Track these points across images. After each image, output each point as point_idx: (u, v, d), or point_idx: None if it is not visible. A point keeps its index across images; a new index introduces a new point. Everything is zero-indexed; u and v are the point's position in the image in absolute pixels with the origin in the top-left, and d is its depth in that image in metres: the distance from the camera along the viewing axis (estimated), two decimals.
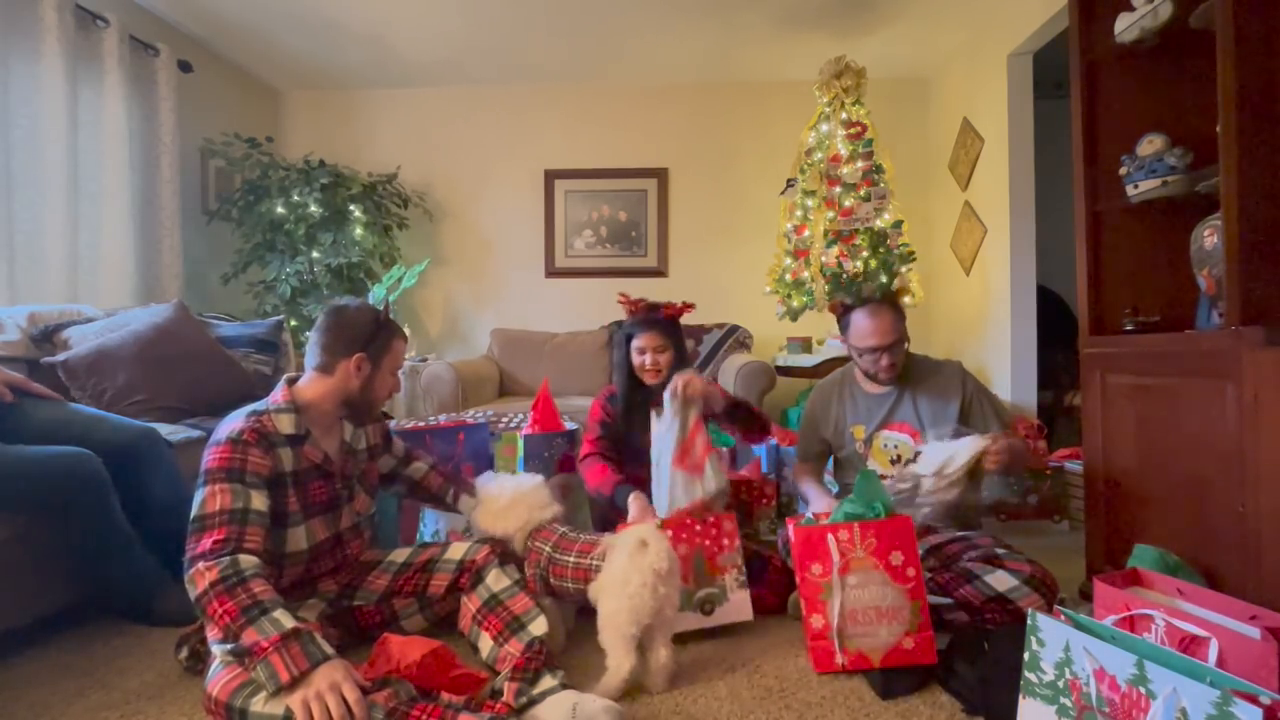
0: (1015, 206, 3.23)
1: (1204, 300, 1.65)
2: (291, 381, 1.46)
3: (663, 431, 1.67)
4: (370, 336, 1.46)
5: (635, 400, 1.94)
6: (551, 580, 1.47)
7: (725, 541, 1.57)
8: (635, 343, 1.93)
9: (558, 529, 1.52)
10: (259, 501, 1.28)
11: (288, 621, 1.12)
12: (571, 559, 1.44)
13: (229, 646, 1.13)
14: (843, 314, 1.85)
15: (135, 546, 1.64)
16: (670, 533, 1.50)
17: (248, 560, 1.19)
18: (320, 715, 1.05)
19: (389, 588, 1.49)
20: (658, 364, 1.90)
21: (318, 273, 3.52)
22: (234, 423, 1.34)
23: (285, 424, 1.39)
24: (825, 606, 1.35)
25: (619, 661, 1.29)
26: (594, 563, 1.40)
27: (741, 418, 1.87)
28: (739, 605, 1.53)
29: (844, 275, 3.08)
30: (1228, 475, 1.42)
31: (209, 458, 1.29)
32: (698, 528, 1.56)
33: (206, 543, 1.19)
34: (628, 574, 1.30)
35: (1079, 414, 1.92)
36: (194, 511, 1.24)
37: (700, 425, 1.67)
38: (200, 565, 1.17)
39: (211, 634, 1.19)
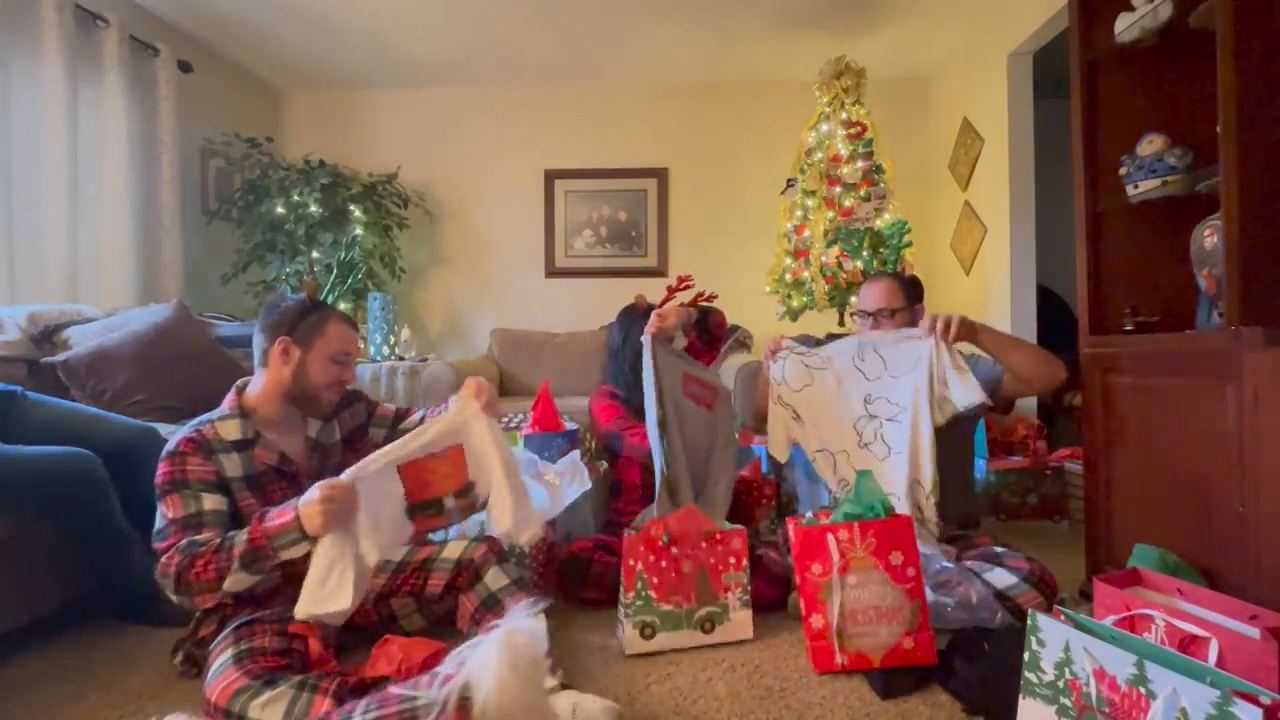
0: (1015, 206, 3.23)
1: (1204, 300, 1.65)
2: (242, 387, 1.46)
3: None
4: (296, 320, 1.43)
5: None
6: None
7: (732, 560, 1.52)
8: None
9: None
10: (211, 503, 1.30)
11: (243, 528, 1.23)
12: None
13: (242, 572, 1.20)
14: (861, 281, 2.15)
15: (135, 546, 1.63)
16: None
17: (200, 536, 1.25)
18: (337, 510, 1.19)
19: (386, 587, 1.48)
20: None
21: (317, 273, 3.52)
22: (175, 437, 1.36)
23: (230, 430, 1.38)
24: (825, 606, 1.35)
25: None
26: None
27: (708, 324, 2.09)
28: (740, 624, 1.50)
29: (843, 275, 3.08)
30: (1228, 475, 1.42)
31: (156, 475, 1.31)
32: (704, 545, 1.50)
33: (163, 546, 1.25)
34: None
35: (1079, 414, 1.92)
36: (155, 526, 1.29)
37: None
38: (162, 561, 1.23)
39: (215, 596, 1.23)
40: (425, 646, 1.21)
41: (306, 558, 1.38)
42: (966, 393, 1.66)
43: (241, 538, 1.21)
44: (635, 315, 2.08)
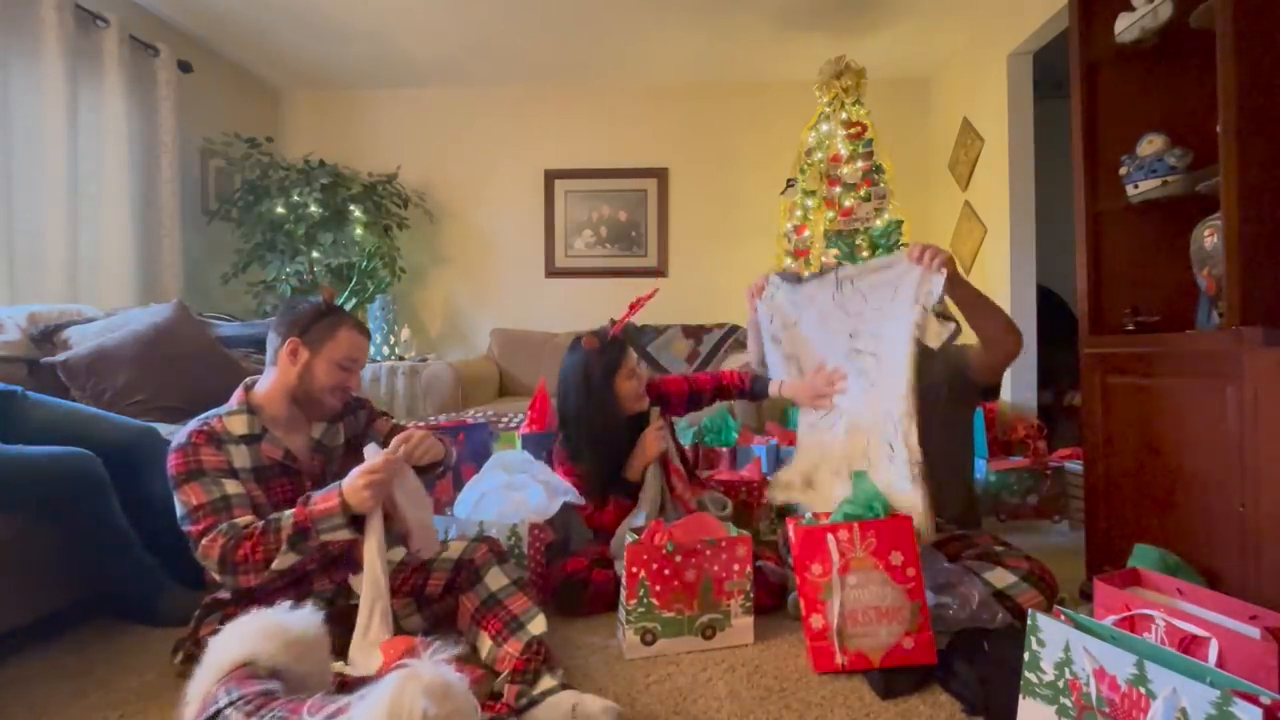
0: (1015, 206, 3.23)
1: (1204, 300, 1.65)
2: (250, 385, 1.47)
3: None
4: (309, 322, 1.44)
5: (628, 434, 1.85)
6: None
7: (735, 567, 1.50)
8: (625, 368, 1.82)
9: None
10: (233, 487, 1.32)
11: (288, 510, 1.26)
12: None
13: (291, 553, 1.23)
14: None
15: (135, 546, 1.63)
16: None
17: (239, 519, 1.27)
18: (382, 480, 1.24)
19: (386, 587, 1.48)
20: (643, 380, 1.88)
21: (318, 272, 3.52)
22: (184, 429, 1.37)
23: (237, 425, 1.40)
24: (825, 607, 1.35)
25: None
26: None
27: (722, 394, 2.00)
28: (741, 630, 1.50)
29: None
30: (1228, 475, 1.42)
31: (168, 468, 1.32)
32: (708, 552, 1.49)
33: (200, 528, 1.26)
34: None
35: (1079, 414, 1.92)
36: (179, 514, 1.29)
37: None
38: (204, 543, 1.24)
39: (261, 576, 1.24)
40: (404, 643, 1.21)
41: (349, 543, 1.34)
42: (932, 336, 1.58)
43: (287, 520, 1.24)
44: (589, 354, 1.82)
